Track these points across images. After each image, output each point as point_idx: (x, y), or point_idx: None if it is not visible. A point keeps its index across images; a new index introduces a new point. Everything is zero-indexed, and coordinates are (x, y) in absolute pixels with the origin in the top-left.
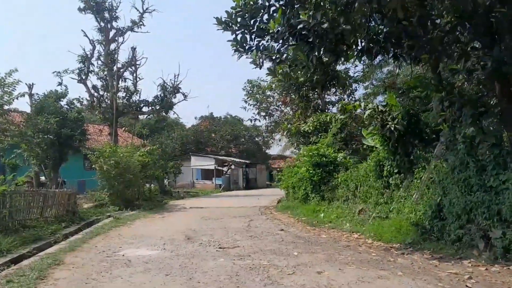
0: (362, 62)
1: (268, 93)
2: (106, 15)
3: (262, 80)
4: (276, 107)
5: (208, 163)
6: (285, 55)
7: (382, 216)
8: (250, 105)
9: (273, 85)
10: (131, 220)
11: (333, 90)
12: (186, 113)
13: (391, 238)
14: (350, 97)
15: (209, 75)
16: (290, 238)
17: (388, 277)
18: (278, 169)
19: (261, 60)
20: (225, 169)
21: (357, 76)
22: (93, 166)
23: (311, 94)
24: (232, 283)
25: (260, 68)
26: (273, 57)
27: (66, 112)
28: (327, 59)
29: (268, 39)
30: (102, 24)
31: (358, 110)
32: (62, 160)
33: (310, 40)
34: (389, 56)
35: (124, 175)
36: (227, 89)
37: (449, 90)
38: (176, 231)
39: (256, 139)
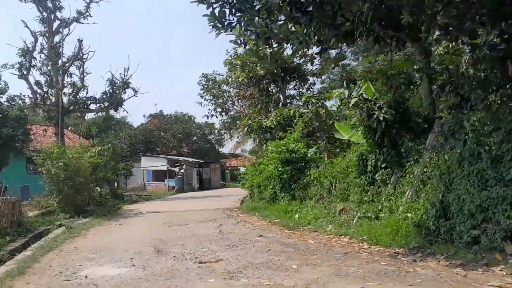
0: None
1: (224, 87)
2: (49, 4)
3: (218, 74)
4: (233, 102)
5: (160, 164)
6: (275, 30)
7: (370, 216)
8: (206, 100)
9: (230, 79)
10: (86, 229)
11: (292, 84)
12: (133, 112)
13: (390, 242)
14: (309, 91)
15: (159, 70)
16: (275, 245)
17: None
18: (230, 168)
19: (245, 38)
20: (177, 169)
21: (315, 69)
22: (39, 169)
23: (271, 88)
24: None
25: (244, 47)
26: (260, 34)
27: (7, 110)
28: (325, 34)
29: (253, 13)
30: (45, 14)
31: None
32: (3, 164)
33: (309, 10)
34: (372, 39)
35: (74, 178)
36: (178, 86)
37: (453, 73)
38: (140, 241)
39: (209, 137)
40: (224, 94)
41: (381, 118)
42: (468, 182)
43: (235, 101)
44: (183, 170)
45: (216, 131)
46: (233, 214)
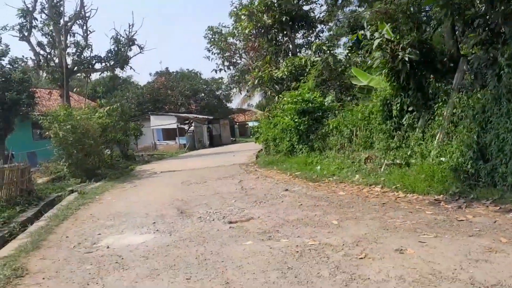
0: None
1: (231, 40)
2: None
3: (224, 27)
4: (240, 55)
5: (170, 122)
6: None
7: (399, 162)
8: (214, 54)
9: (236, 31)
10: (99, 193)
11: (301, 32)
12: (139, 71)
13: (427, 189)
14: (317, 39)
15: (163, 26)
16: (305, 199)
17: (499, 248)
18: (238, 123)
19: None
20: (186, 127)
21: (322, 16)
22: (46, 133)
23: (280, 37)
24: (293, 285)
25: None
26: None
27: (9, 73)
28: None
29: None
30: None
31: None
32: (8, 130)
33: None
34: None
35: (83, 141)
36: (182, 42)
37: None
38: (160, 203)
39: (217, 93)
40: (231, 47)
41: (406, 59)
42: (508, 120)
43: (243, 54)
44: (192, 127)
45: (223, 86)
46: (250, 169)
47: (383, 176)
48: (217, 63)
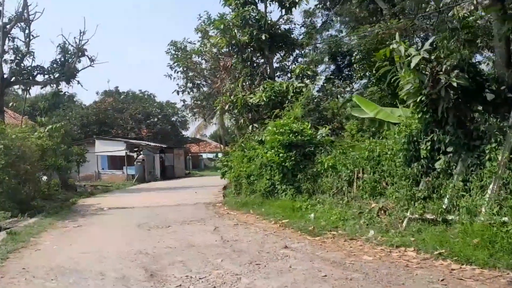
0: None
1: (196, 59)
2: None
3: (190, 42)
4: (205, 78)
5: (117, 148)
6: None
7: (431, 218)
8: (177, 72)
9: (204, 48)
10: (35, 234)
11: (279, 55)
12: (82, 90)
13: (490, 260)
14: (294, 64)
15: (117, 39)
16: (323, 266)
17: None
18: (191, 154)
19: None
20: (135, 155)
21: (301, 38)
22: None
23: (256, 58)
24: None
25: None
26: None
27: None
28: None
29: None
30: None
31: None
32: None
33: None
34: None
35: (17, 165)
36: (135, 61)
37: None
38: (118, 255)
39: (172, 118)
40: (196, 66)
41: (454, 85)
42: None
43: (208, 76)
44: (141, 156)
45: (180, 111)
46: (220, 211)
47: (409, 235)
48: (178, 84)
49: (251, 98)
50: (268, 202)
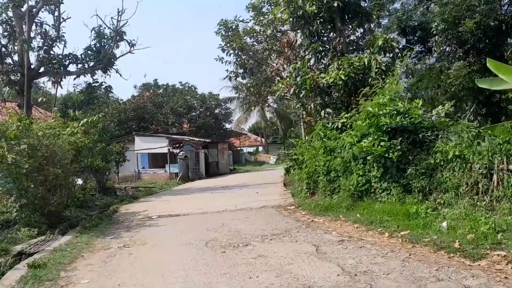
0: None
1: (248, 40)
2: None
3: (242, 21)
4: (263, 58)
5: (159, 145)
6: None
7: None
8: (230, 54)
9: (261, 22)
10: (68, 265)
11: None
12: (118, 85)
13: None
14: (364, 37)
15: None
16: None
17: None
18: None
19: None
20: (178, 151)
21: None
22: None
23: (325, 32)
24: None
25: None
26: None
27: None
28: None
29: None
30: None
31: None
32: None
33: None
34: None
35: (45, 169)
36: (171, 53)
37: None
38: None
39: (215, 111)
40: (251, 47)
41: None
42: None
43: (266, 57)
44: (182, 152)
45: (222, 102)
46: (300, 217)
47: None
48: (227, 70)
49: (323, 78)
50: (362, 205)
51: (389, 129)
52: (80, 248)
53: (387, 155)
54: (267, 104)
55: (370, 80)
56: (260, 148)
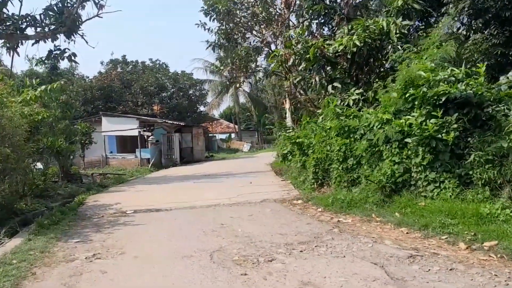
0: None
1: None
2: None
3: None
4: (248, 26)
5: (129, 127)
6: None
7: None
8: (213, 19)
9: None
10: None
11: None
12: (80, 62)
13: None
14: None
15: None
16: None
17: None
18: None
19: None
20: (147, 134)
21: None
22: None
23: None
24: None
25: None
26: None
27: None
28: None
29: None
30: None
31: None
32: None
33: None
34: None
35: None
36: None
37: None
38: None
39: (190, 91)
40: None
41: None
42: None
43: (254, 24)
44: (152, 136)
45: (197, 83)
46: (320, 216)
47: None
48: (208, 40)
49: (330, 45)
50: (400, 201)
51: (440, 102)
52: (32, 260)
53: (440, 135)
54: (248, 81)
55: (389, 47)
56: (233, 135)
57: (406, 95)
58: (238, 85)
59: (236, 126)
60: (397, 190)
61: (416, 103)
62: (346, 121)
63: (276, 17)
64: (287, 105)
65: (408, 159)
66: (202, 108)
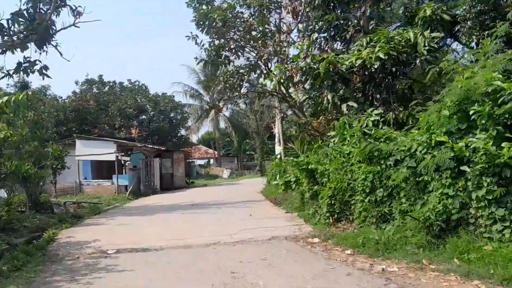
0: None
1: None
2: None
3: None
4: (246, 41)
5: (106, 151)
6: None
7: None
8: (204, 31)
9: None
10: None
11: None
12: (55, 81)
13: None
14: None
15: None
16: None
17: None
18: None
19: None
20: (126, 159)
21: None
22: None
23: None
24: None
25: None
26: None
27: None
28: None
29: None
30: None
31: None
32: None
33: None
34: None
35: None
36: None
37: None
38: None
39: (171, 114)
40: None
41: None
42: None
43: (249, 39)
44: (129, 162)
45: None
46: (353, 261)
47: None
48: (196, 57)
49: (345, 59)
50: (456, 244)
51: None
52: None
53: None
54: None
55: (418, 61)
56: (212, 161)
57: (462, 113)
58: (219, 110)
59: (216, 152)
60: (449, 229)
61: (480, 122)
62: (376, 144)
63: (271, 34)
64: (276, 129)
65: (464, 192)
66: (183, 132)
